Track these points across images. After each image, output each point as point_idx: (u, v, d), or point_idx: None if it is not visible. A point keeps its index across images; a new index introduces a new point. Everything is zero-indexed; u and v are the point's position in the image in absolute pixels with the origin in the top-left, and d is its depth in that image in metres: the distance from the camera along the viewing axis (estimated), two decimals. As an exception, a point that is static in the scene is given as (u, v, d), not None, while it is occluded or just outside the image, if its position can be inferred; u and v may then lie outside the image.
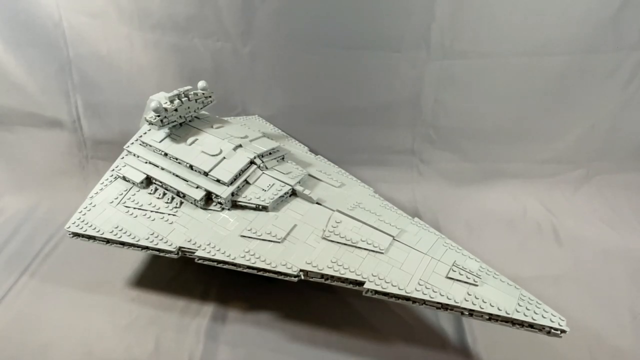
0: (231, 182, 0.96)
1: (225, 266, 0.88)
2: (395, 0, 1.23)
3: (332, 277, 0.82)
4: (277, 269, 0.83)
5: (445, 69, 1.34)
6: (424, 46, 1.31)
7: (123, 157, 1.12)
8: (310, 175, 1.07)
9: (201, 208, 0.97)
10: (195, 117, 1.11)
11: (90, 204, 1.03)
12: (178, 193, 0.99)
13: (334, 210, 0.93)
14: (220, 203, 0.96)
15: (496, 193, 1.46)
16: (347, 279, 0.81)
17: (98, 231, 0.96)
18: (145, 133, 1.11)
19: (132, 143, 1.10)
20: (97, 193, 1.06)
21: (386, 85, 1.38)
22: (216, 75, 1.40)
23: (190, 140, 1.03)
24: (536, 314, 0.71)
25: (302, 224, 0.91)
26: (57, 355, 0.94)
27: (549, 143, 1.45)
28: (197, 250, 0.89)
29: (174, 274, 1.13)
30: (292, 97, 1.45)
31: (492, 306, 0.73)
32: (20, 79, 1.42)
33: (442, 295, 0.75)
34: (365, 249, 0.84)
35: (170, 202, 1.00)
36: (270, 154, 1.06)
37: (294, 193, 0.99)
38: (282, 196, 0.96)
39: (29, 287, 1.10)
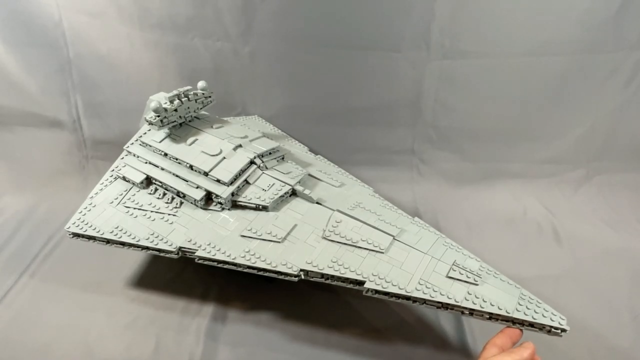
0: (231, 182, 0.96)
1: (226, 266, 0.88)
2: (395, 0, 1.23)
3: (332, 276, 0.82)
4: (278, 269, 0.83)
5: (445, 69, 1.34)
6: (424, 46, 1.31)
7: (123, 157, 1.12)
8: (310, 175, 1.07)
9: (201, 208, 0.97)
10: (195, 117, 1.11)
11: (90, 204, 1.03)
12: (178, 193, 0.99)
13: (334, 210, 0.93)
14: (220, 203, 0.96)
15: (496, 193, 1.46)
16: (347, 278, 0.81)
17: (98, 231, 0.96)
18: (145, 133, 1.11)
19: (132, 143, 1.10)
20: (97, 193, 1.06)
21: (386, 85, 1.38)
22: (216, 75, 1.40)
23: (190, 140, 1.03)
24: (536, 313, 0.71)
25: (302, 224, 0.91)
26: (57, 355, 0.94)
27: (549, 143, 1.45)
28: (197, 250, 0.89)
29: (174, 274, 1.13)
30: (292, 97, 1.45)
31: (493, 305, 0.73)
32: (20, 79, 1.42)
33: (443, 295, 0.75)
34: (365, 248, 0.84)
35: (170, 202, 1.00)
36: (270, 154, 1.06)
37: (294, 193, 0.99)
38: (282, 196, 0.96)
39: (29, 287, 1.10)
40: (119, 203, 1.02)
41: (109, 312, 1.04)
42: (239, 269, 0.87)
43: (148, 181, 1.04)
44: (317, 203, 0.96)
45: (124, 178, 1.05)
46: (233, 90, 1.45)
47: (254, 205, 0.95)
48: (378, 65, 1.35)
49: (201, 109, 1.11)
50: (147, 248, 0.93)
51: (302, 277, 0.84)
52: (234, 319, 1.02)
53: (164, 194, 1.01)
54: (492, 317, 0.73)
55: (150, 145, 1.05)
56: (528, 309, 0.72)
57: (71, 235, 1.00)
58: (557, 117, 1.40)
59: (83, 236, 0.98)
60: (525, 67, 1.31)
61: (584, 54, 1.28)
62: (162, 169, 1.02)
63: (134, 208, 1.00)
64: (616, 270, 1.17)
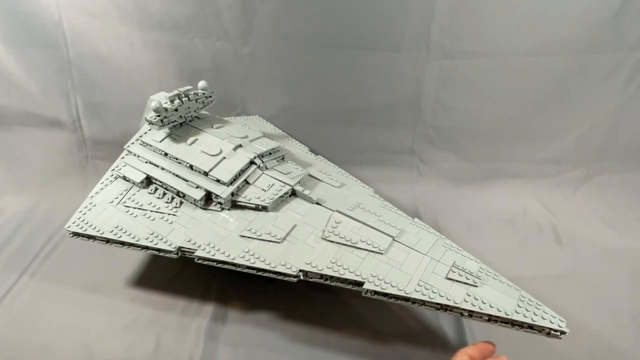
0: (231, 182, 0.96)
1: (225, 266, 0.88)
2: (395, 0, 1.23)
3: (331, 277, 0.82)
4: (277, 269, 0.83)
5: (445, 69, 1.34)
6: (424, 46, 1.30)
7: (123, 157, 1.12)
8: (310, 175, 1.07)
9: (201, 208, 0.97)
10: (196, 117, 1.11)
11: (91, 203, 1.03)
12: (178, 193, 0.99)
13: (333, 211, 0.93)
14: (220, 203, 0.96)
15: (496, 193, 1.46)
16: (346, 279, 0.81)
17: (98, 231, 0.96)
18: (146, 133, 1.11)
19: (133, 143, 1.10)
20: (97, 193, 1.06)
21: (386, 85, 1.38)
22: (216, 75, 1.40)
23: (190, 140, 1.03)
24: (536, 315, 0.71)
25: (301, 224, 0.91)
26: (57, 355, 0.94)
27: (549, 143, 1.45)
28: (196, 250, 0.89)
29: (174, 274, 1.13)
30: (292, 97, 1.45)
31: (492, 307, 0.73)
32: (20, 79, 1.42)
33: (442, 296, 0.75)
34: (364, 249, 0.84)
35: (170, 202, 1.00)
36: (270, 154, 1.06)
37: (293, 193, 0.99)
38: (282, 196, 0.96)
39: (29, 287, 1.10)
40: (119, 202, 1.02)
41: (109, 312, 1.04)
42: (239, 269, 0.88)
43: (148, 181, 1.04)
44: (317, 203, 0.96)
45: (124, 177, 1.05)
46: (233, 90, 1.45)
47: (254, 206, 0.95)
48: (378, 65, 1.35)
49: (201, 108, 1.11)
50: (147, 248, 0.93)
51: (301, 277, 0.84)
52: (234, 319, 1.02)
53: (164, 194, 1.01)
54: (492, 318, 0.73)
55: (150, 145, 1.05)
56: (527, 311, 0.72)
57: (71, 235, 1.00)
58: (557, 117, 1.40)
59: (83, 235, 0.98)
60: (525, 67, 1.31)
61: (584, 54, 1.28)
62: (162, 168, 1.02)
63: (134, 207, 1.00)
64: (616, 270, 1.17)
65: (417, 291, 0.76)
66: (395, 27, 1.27)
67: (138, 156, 1.06)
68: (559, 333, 0.70)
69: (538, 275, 1.13)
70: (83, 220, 0.99)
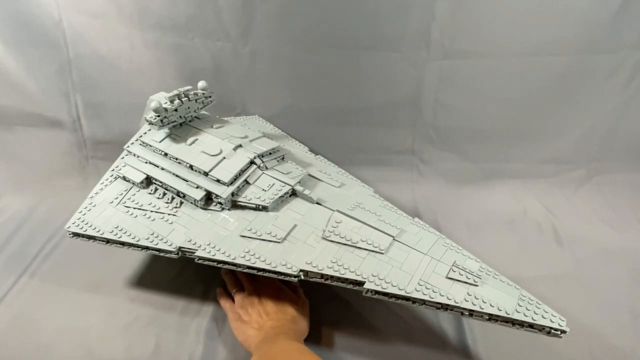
0: (231, 182, 0.96)
1: (225, 266, 0.88)
2: (395, 0, 1.23)
3: (332, 277, 0.82)
4: (277, 269, 0.83)
5: (445, 69, 1.34)
6: (424, 46, 1.30)
7: (123, 157, 1.12)
8: (310, 175, 1.07)
9: (201, 208, 0.97)
10: (196, 117, 1.11)
11: (90, 204, 1.03)
12: (178, 193, 0.99)
13: (334, 211, 0.93)
14: (220, 203, 0.96)
15: (496, 193, 1.46)
16: (347, 279, 0.81)
17: (98, 231, 0.96)
18: (145, 133, 1.11)
19: (132, 143, 1.10)
20: (97, 193, 1.06)
21: (386, 85, 1.38)
22: (216, 75, 1.40)
23: (190, 140, 1.03)
24: (536, 314, 0.71)
25: (302, 224, 0.91)
26: (57, 355, 0.94)
27: (549, 143, 1.45)
28: (197, 250, 0.89)
29: (174, 274, 1.13)
30: (292, 97, 1.45)
31: (492, 306, 0.73)
32: (20, 79, 1.42)
33: (442, 296, 0.75)
34: (365, 249, 0.84)
35: (170, 202, 1.00)
36: (270, 154, 1.06)
37: (294, 193, 0.99)
38: (282, 196, 0.96)
39: (29, 287, 1.10)
40: (119, 203, 1.02)
41: (109, 312, 1.04)
42: (239, 269, 0.87)
43: (148, 181, 1.04)
44: (317, 203, 0.96)
45: (124, 178, 1.05)
46: (233, 90, 1.45)
47: (254, 206, 0.95)
48: (378, 65, 1.34)
49: (201, 108, 1.11)
50: (147, 248, 0.93)
51: (302, 277, 0.84)
52: (234, 319, 1.02)
53: (164, 194, 1.01)
54: (492, 318, 0.73)
55: (150, 145, 1.05)
56: (528, 310, 0.72)
57: (71, 235, 0.99)
58: (557, 117, 1.40)
59: (83, 236, 0.98)
60: (525, 67, 1.31)
61: (584, 54, 1.28)
62: (162, 168, 1.02)
63: (134, 208, 1.00)
64: (616, 270, 1.17)
65: (418, 291, 0.76)
66: (395, 27, 1.27)
67: (138, 156, 1.06)
68: (559, 332, 0.70)
69: (538, 275, 1.13)
70: (83, 221, 0.99)
